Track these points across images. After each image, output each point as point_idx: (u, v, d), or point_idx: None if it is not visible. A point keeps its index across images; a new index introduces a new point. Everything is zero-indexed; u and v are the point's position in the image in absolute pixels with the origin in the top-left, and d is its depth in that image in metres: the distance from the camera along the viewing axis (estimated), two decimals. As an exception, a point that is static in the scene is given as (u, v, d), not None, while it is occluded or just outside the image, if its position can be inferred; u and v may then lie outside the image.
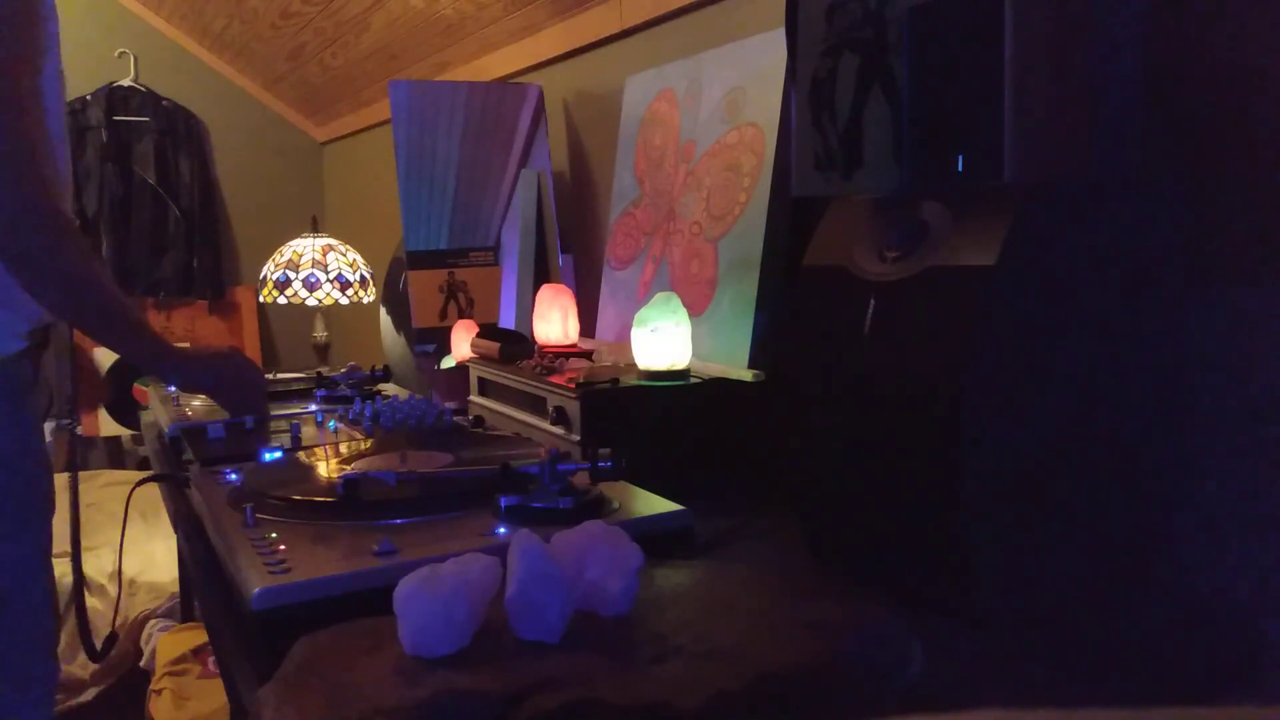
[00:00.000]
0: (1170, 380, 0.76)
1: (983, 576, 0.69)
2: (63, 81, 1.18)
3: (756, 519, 0.97)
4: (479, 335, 1.42)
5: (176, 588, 2.31)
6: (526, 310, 1.58)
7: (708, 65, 1.30)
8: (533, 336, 1.40)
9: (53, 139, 1.13)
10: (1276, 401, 0.73)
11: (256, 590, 0.66)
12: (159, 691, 1.96)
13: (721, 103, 1.25)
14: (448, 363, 1.64)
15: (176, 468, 1.20)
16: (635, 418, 1.07)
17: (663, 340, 1.10)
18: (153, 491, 1.29)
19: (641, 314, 1.11)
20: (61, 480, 1.30)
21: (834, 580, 0.67)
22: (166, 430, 1.32)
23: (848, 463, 0.78)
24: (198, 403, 1.45)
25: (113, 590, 2.34)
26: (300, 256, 2.47)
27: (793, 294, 0.85)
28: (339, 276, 2.46)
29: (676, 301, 1.10)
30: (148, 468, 1.48)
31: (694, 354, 1.13)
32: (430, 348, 1.72)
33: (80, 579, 1.42)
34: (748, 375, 1.09)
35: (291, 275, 2.44)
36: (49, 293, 1.10)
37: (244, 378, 1.30)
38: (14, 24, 1.04)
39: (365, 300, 2.51)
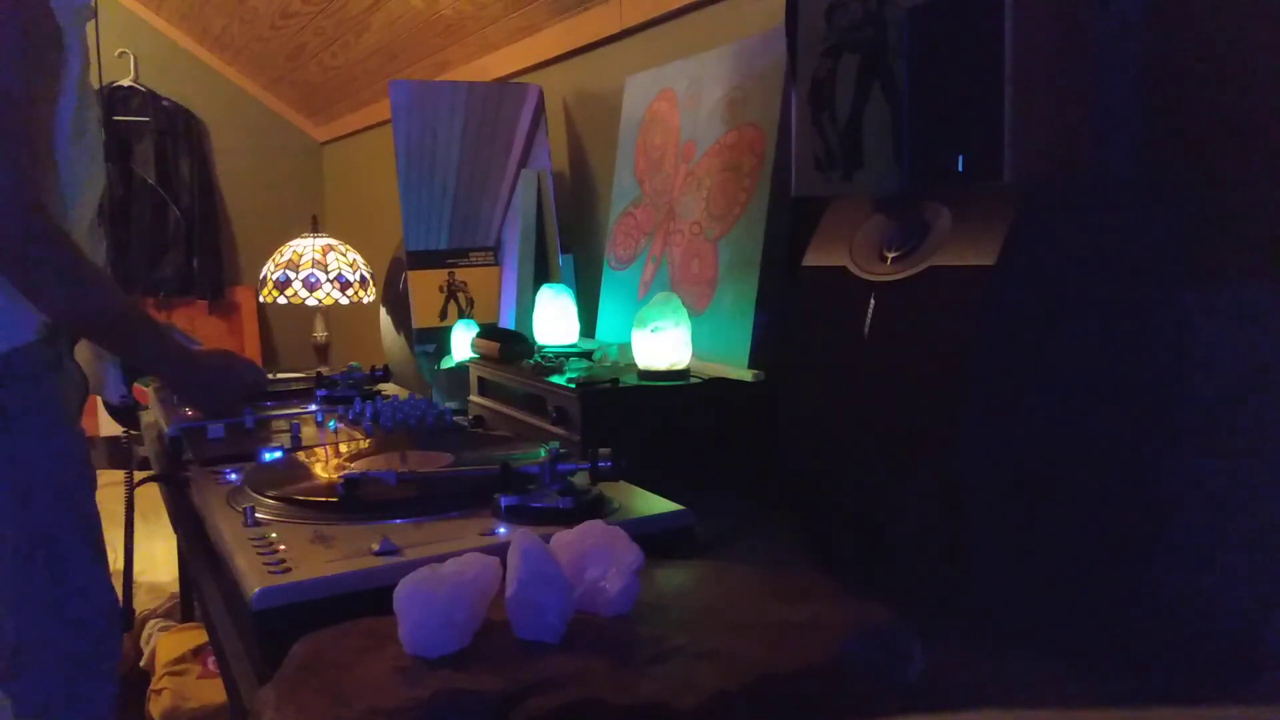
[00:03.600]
0: (1169, 379, 0.76)
1: (982, 575, 0.69)
2: (80, 93, 1.20)
3: (756, 519, 0.97)
4: (479, 335, 1.42)
5: (176, 588, 2.31)
6: (526, 310, 1.58)
7: (708, 65, 1.30)
8: (533, 336, 1.40)
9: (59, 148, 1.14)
10: (1275, 401, 0.73)
11: (256, 590, 0.66)
12: (159, 691, 1.96)
13: (721, 103, 1.25)
14: (448, 363, 1.64)
15: (176, 468, 1.20)
16: (635, 418, 1.07)
17: (663, 340, 1.10)
18: (153, 491, 1.29)
19: (641, 314, 1.11)
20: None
21: (834, 580, 0.67)
22: (166, 430, 1.32)
23: (848, 462, 0.78)
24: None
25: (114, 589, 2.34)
26: (300, 256, 2.47)
27: (793, 294, 0.85)
28: (339, 276, 2.46)
29: (676, 301, 1.10)
30: (148, 468, 1.47)
31: (694, 354, 1.13)
32: (430, 348, 1.72)
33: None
34: (748, 375, 1.09)
35: (291, 275, 2.44)
36: (33, 299, 1.11)
37: (221, 381, 1.29)
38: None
39: (365, 300, 2.51)
